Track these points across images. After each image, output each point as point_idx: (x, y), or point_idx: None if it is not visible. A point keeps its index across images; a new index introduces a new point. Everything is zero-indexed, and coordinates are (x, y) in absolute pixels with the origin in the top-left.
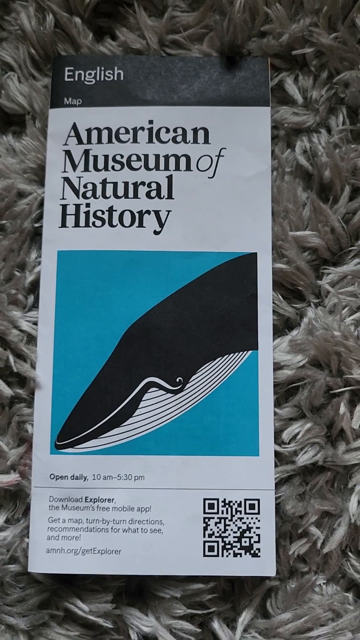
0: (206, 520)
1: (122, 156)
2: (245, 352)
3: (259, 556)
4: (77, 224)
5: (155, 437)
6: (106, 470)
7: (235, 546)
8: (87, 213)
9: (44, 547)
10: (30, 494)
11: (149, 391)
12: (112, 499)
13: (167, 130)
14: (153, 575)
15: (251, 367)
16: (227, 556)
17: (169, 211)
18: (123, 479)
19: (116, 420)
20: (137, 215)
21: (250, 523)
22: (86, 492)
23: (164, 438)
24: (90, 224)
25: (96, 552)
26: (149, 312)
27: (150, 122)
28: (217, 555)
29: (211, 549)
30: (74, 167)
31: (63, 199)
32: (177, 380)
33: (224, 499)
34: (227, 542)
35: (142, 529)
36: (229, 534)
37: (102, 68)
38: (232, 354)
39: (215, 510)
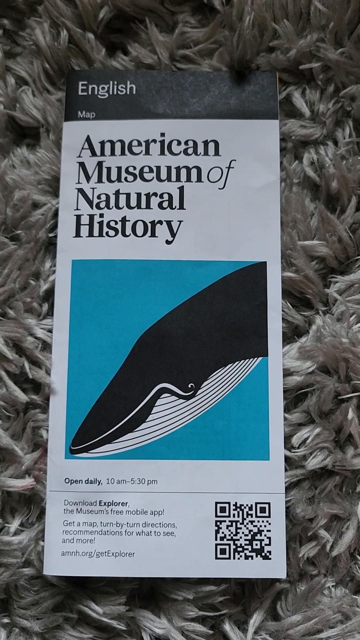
0: (218, 523)
1: (134, 168)
2: (255, 358)
3: (270, 559)
4: (91, 234)
5: (168, 442)
6: (120, 475)
7: (247, 549)
8: (100, 223)
9: (59, 550)
10: (45, 498)
11: (161, 397)
12: (126, 503)
13: (179, 143)
14: (166, 577)
15: (261, 373)
16: (238, 559)
17: (180, 221)
18: (136, 483)
19: (130, 426)
20: (149, 225)
21: (261, 526)
22: (100, 495)
23: (176, 443)
24: (104, 234)
25: (110, 554)
26: (161, 319)
27: (162, 134)
28: (229, 558)
29: (223, 551)
30: (88, 178)
31: (77, 209)
32: (189, 386)
33: (235, 503)
34: (238, 545)
35: (155, 532)
36: (241, 537)
37: (115, 82)
38: (242, 361)
39: (226, 514)
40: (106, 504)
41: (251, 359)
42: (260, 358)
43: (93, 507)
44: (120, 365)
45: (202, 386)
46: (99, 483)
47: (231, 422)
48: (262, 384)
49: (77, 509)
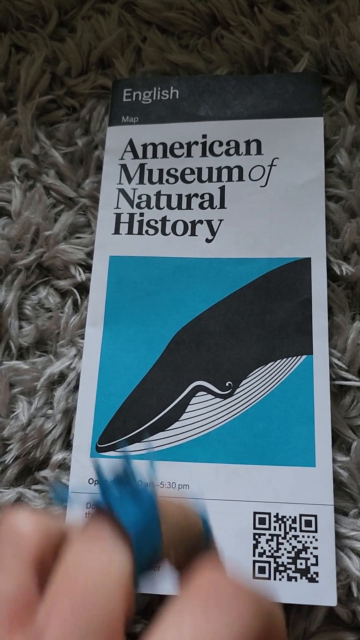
0: (256, 536)
1: (176, 170)
2: (299, 356)
3: (317, 581)
4: (130, 232)
5: (202, 443)
6: (148, 477)
7: (290, 568)
8: (140, 222)
9: None
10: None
11: (197, 395)
12: None
13: (220, 144)
14: None
15: (306, 372)
16: (280, 580)
17: (221, 220)
18: (166, 487)
19: (161, 424)
20: (189, 224)
21: (306, 542)
22: None
23: (211, 444)
24: (143, 232)
25: None
26: (199, 316)
27: (204, 136)
28: (269, 578)
29: (262, 570)
30: (129, 179)
31: (117, 208)
32: (227, 384)
33: (277, 514)
34: (280, 563)
35: None
36: (283, 554)
37: (159, 88)
38: (285, 359)
39: (266, 526)
40: None
41: (294, 357)
42: (304, 356)
43: None
44: (155, 362)
45: (241, 385)
46: None
47: (272, 424)
48: (306, 383)
49: None
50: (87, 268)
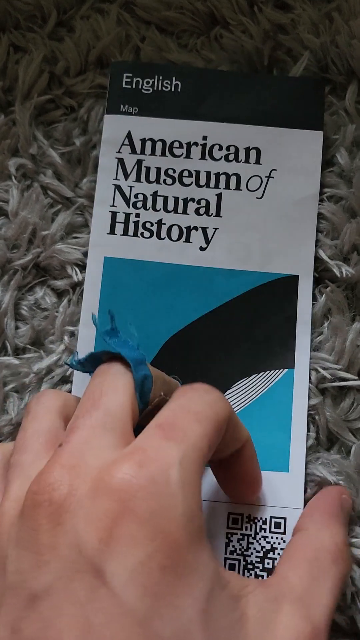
0: (229, 535)
1: (174, 171)
2: (281, 370)
3: None
4: (125, 233)
5: None
6: None
7: (258, 567)
8: (136, 223)
9: None
10: None
11: None
12: None
13: (220, 148)
14: None
15: (286, 384)
16: (248, 577)
17: (215, 229)
18: None
19: None
20: (184, 230)
21: (275, 543)
22: None
23: None
24: (139, 234)
25: None
26: (188, 325)
27: (204, 137)
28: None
29: (232, 567)
30: (126, 175)
31: (113, 205)
32: None
33: (249, 515)
34: (249, 561)
35: None
36: (252, 553)
37: (160, 77)
38: (267, 371)
39: (238, 526)
40: None
41: (277, 370)
42: (285, 370)
43: None
44: None
45: (225, 395)
46: None
47: (252, 432)
48: (286, 395)
49: None
50: (84, 268)
